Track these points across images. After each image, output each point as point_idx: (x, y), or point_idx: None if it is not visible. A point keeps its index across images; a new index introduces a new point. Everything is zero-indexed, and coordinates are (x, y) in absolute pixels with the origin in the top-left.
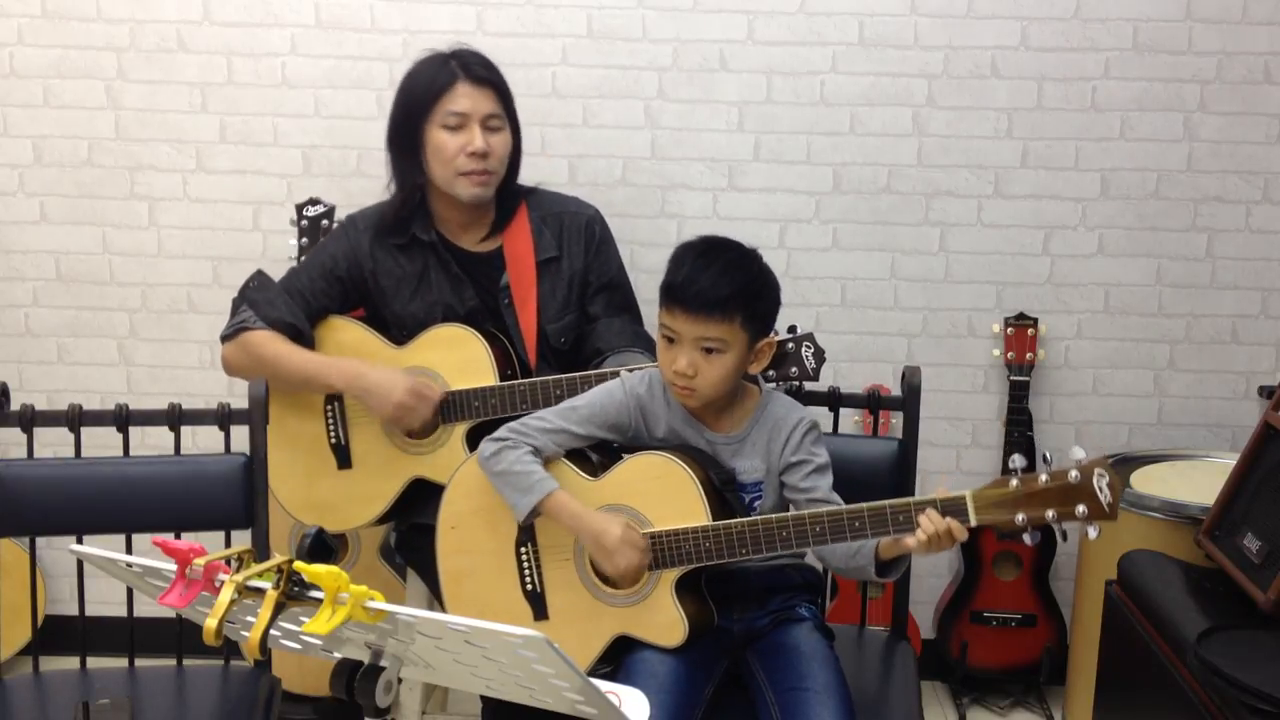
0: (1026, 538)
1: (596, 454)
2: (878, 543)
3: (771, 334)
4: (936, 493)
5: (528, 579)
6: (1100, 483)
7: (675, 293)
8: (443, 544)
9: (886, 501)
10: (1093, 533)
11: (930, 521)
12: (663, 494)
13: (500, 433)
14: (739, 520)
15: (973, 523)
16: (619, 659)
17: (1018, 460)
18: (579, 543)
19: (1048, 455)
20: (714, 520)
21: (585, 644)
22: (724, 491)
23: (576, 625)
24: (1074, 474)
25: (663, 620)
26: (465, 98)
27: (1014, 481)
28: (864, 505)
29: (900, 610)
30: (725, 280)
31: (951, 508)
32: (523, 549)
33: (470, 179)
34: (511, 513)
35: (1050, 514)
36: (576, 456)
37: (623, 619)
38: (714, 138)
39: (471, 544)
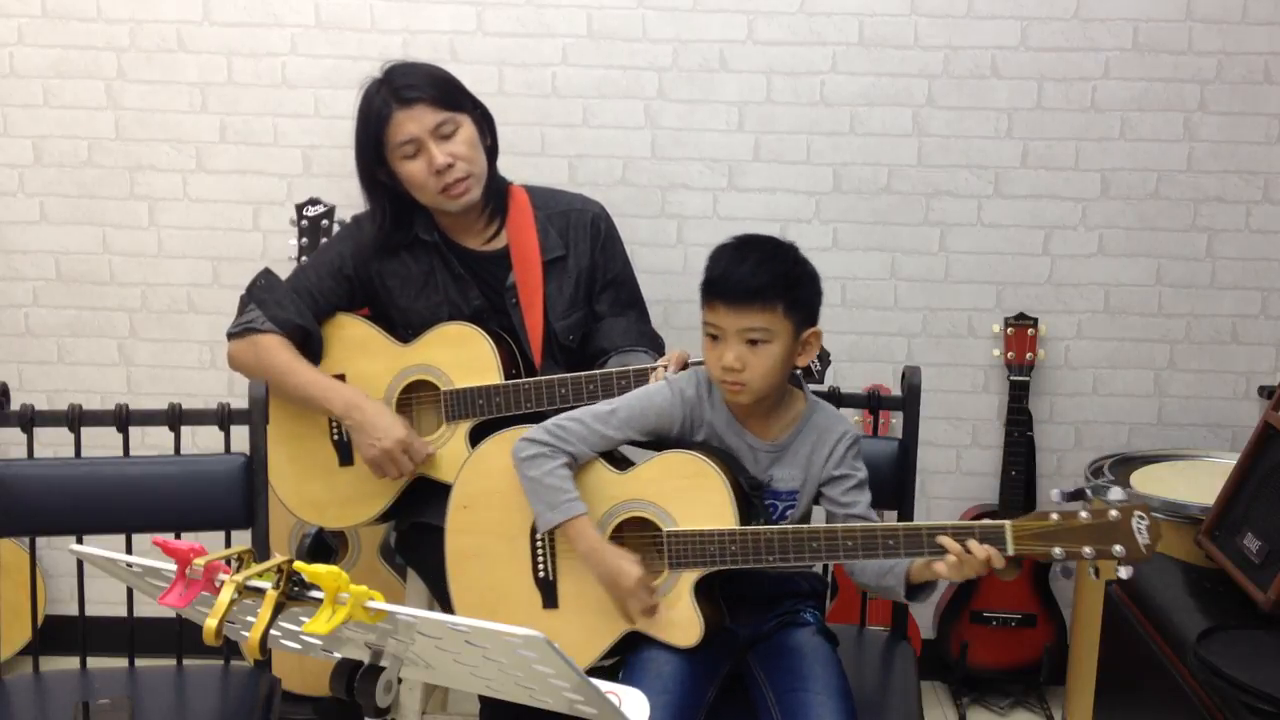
0: (1060, 570)
1: (622, 454)
2: (909, 566)
3: (817, 324)
4: (976, 522)
5: (541, 566)
6: (1139, 525)
7: (715, 287)
8: (452, 521)
9: (923, 523)
10: (1124, 574)
11: (955, 542)
12: (691, 494)
13: (538, 434)
14: (771, 527)
15: (1010, 552)
16: (623, 655)
17: (1056, 495)
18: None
19: (1087, 491)
20: (740, 524)
21: (594, 636)
22: (751, 496)
23: (587, 617)
24: (1114, 513)
25: (679, 619)
26: (405, 123)
27: (1054, 515)
28: (899, 525)
29: (900, 610)
30: (763, 269)
31: (990, 536)
32: (538, 537)
33: (449, 193)
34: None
35: (1088, 550)
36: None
37: None
38: (714, 138)
39: (483, 525)
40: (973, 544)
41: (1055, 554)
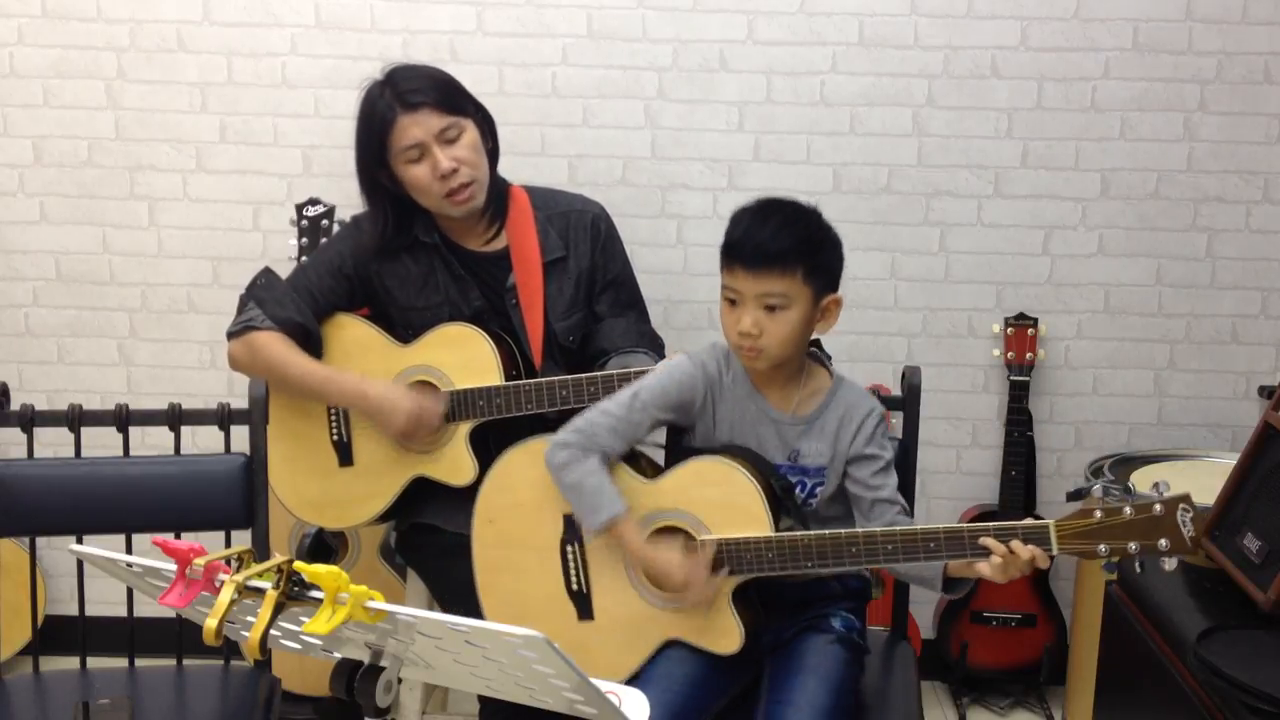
0: (1105, 567)
1: (647, 459)
2: (947, 561)
3: (839, 291)
4: (1020, 521)
5: (573, 578)
6: (1184, 517)
7: (733, 250)
8: (479, 535)
9: (964, 525)
10: (1169, 565)
11: (999, 543)
12: (724, 501)
13: (568, 436)
14: (809, 533)
15: (1055, 552)
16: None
17: (1099, 490)
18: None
19: (1131, 487)
20: (774, 527)
21: (633, 647)
22: (784, 500)
23: (624, 628)
24: (1158, 507)
25: (719, 626)
26: (410, 128)
27: (1098, 512)
28: (940, 527)
29: (900, 610)
30: (784, 233)
31: (1034, 536)
32: (569, 547)
33: (454, 199)
34: (557, 514)
35: (1133, 546)
36: (631, 456)
37: (675, 624)
38: (714, 138)
39: (511, 538)
40: (1016, 545)
41: (1100, 551)
